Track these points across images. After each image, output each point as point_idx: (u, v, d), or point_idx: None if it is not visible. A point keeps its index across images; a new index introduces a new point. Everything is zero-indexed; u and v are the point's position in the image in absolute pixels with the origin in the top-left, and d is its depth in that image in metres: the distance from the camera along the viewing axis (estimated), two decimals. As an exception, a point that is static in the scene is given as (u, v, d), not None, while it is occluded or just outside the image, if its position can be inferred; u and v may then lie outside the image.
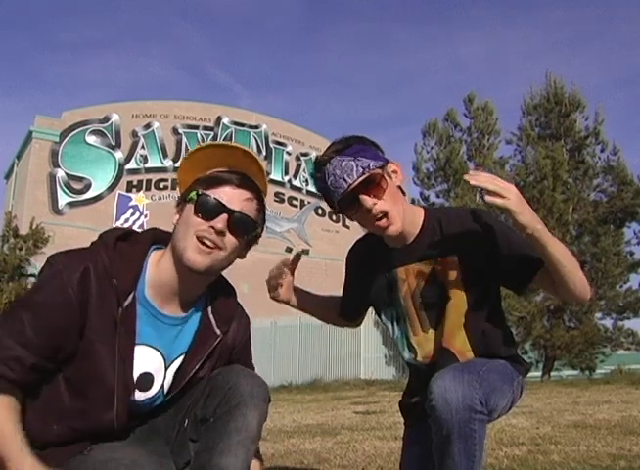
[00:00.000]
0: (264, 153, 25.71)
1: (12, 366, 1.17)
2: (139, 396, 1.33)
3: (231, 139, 24.58)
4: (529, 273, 1.50)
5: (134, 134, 25.59)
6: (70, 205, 23.23)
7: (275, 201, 25.64)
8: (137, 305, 1.28)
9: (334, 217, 26.95)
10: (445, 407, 1.33)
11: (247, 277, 24.51)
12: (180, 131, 26.58)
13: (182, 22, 61.37)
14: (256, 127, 25.54)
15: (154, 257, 1.34)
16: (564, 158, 14.89)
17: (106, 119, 25.02)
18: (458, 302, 1.54)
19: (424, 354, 1.63)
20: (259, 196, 1.34)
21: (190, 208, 1.27)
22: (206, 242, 1.25)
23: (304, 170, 26.64)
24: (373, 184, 1.42)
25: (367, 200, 1.41)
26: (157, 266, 1.31)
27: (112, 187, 23.10)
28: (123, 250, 1.29)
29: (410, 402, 1.77)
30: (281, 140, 26.26)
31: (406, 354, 1.69)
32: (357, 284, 1.74)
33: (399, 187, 1.51)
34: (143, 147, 25.65)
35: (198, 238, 1.25)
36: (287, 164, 26.28)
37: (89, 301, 1.22)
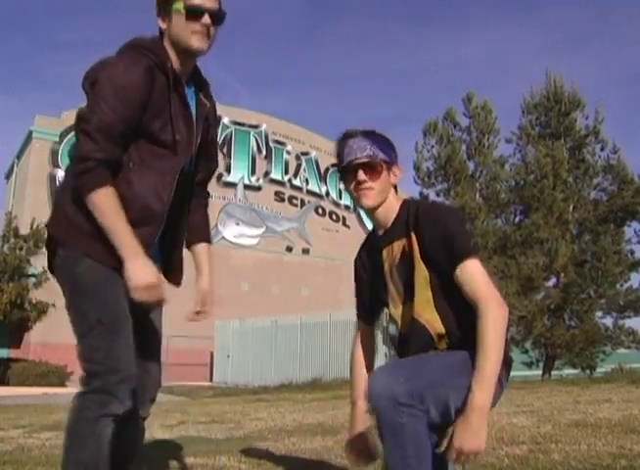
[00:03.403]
0: (264, 152, 25.66)
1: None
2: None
3: (231, 139, 24.56)
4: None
5: (134, 134, 25.56)
6: (71, 204, 23.19)
7: (275, 200, 25.59)
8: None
9: (334, 217, 26.92)
10: (372, 398, 1.48)
11: (247, 276, 24.53)
12: (180, 131, 26.57)
13: (182, 21, 61.10)
14: (256, 127, 25.46)
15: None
16: (564, 156, 14.91)
17: (106, 119, 25.01)
18: (423, 273, 1.68)
19: (402, 326, 1.76)
20: None
21: (180, 16, 1.73)
22: (202, 35, 1.75)
23: (304, 170, 26.58)
24: (372, 168, 1.75)
25: (361, 175, 1.75)
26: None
27: (112, 187, 23.05)
28: (155, 50, 1.75)
29: None
30: (281, 139, 26.18)
31: (392, 329, 1.84)
32: (365, 282, 1.91)
33: (395, 186, 1.82)
34: (143, 146, 25.64)
35: (195, 34, 1.74)
36: (287, 163, 26.21)
37: (154, 86, 1.69)
